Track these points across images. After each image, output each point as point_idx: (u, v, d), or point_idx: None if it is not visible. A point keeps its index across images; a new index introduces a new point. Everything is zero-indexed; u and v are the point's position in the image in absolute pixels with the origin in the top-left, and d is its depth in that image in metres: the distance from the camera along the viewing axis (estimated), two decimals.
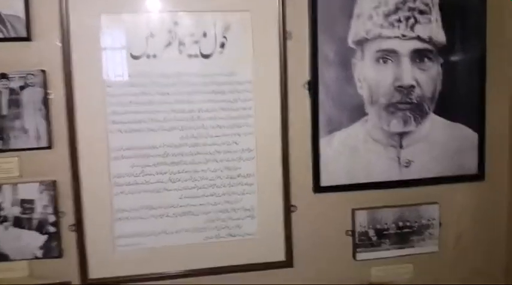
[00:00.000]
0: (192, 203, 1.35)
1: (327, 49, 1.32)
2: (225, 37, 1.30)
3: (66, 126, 1.28)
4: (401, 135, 1.38)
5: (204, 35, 1.30)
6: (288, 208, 1.38)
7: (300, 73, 1.35)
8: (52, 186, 1.31)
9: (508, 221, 1.46)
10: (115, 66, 1.28)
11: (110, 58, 1.28)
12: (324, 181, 1.37)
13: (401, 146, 1.38)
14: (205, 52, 1.30)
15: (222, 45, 1.31)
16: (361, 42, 1.33)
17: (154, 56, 1.29)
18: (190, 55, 1.30)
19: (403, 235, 1.41)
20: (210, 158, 1.35)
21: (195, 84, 1.31)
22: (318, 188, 1.37)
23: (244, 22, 1.31)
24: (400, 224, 1.41)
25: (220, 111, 1.33)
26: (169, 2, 1.28)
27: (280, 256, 1.39)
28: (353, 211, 1.40)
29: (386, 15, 1.32)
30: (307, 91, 1.36)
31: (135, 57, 1.29)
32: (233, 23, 1.30)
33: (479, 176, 1.43)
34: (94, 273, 1.35)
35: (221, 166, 1.35)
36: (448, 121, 1.39)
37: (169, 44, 1.29)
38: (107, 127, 1.29)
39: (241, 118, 1.34)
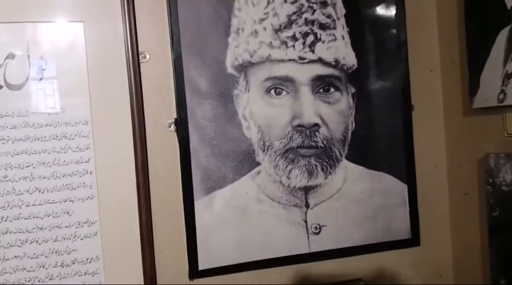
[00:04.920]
0: None
1: (197, 77, 0.82)
2: (43, 59, 0.75)
3: None
4: (307, 190, 0.86)
5: (11, 56, 0.74)
6: None
7: (163, 109, 0.82)
8: None
9: None
10: None
11: None
12: (204, 262, 0.83)
13: (307, 206, 0.86)
14: (12, 82, 0.75)
15: (40, 71, 0.75)
16: (244, 67, 0.84)
17: None
18: None
19: None
20: (28, 239, 0.77)
21: None
22: (195, 272, 0.82)
23: (75, 38, 0.78)
24: None
25: (41, 166, 0.77)
26: None
27: None
28: None
29: (277, 31, 0.84)
30: (174, 134, 0.81)
31: None
32: (57, 39, 0.77)
33: (412, 240, 0.91)
34: None
35: (45, 249, 0.78)
36: (367, 170, 0.91)
37: None
38: None
39: (75, 176, 0.78)
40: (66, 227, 0.78)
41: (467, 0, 0.86)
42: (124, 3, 0.79)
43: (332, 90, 0.87)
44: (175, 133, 0.82)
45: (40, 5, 0.77)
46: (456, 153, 0.93)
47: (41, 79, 0.77)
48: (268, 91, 0.84)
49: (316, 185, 0.87)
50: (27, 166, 0.76)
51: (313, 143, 0.85)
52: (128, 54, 0.79)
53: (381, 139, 0.91)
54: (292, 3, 0.84)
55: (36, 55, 0.76)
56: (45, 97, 0.77)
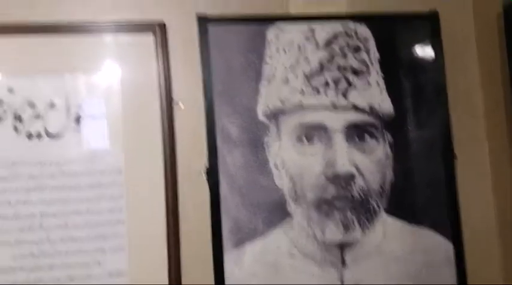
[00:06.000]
0: None
1: (228, 124, 0.81)
2: (81, 108, 0.78)
3: None
4: (343, 246, 0.81)
5: (51, 106, 0.78)
6: None
7: (195, 156, 0.82)
8: None
9: None
10: None
11: None
12: None
13: (343, 264, 0.81)
14: (52, 130, 0.78)
15: (78, 120, 0.79)
16: (275, 115, 0.82)
17: None
18: (30, 136, 0.77)
19: None
20: None
21: (36, 177, 0.78)
22: None
23: (111, 87, 0.81)
24: None
25: (75, 215, 0.78)
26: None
27: None
28: None
29: (308, 77, 0.83)
30: (205, 182, 0.81)
31: None
32: (93, 88, 0.80)
33: None
34: None
35: None
36: (409, 225, 0.85)
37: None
38: None
39: (108, 226, 0.79)
40: (96, 276, 0.77)
41: (510, 38, 0.82)
42: (158, 53, 0.81)
43: (367, 138, 0.83)
44: (207, 181, 0.82)
45: (79, 55, 0.81)
46: (506, 205, 0.85)
47: (78, 127, 0.79)
48: (300, 139, 0.82)
49: (354, 241, 0.81)
50: (62, 215, 0.78)
51: (348, 195, 0.81)
52: (162, 102, 0.81)
53: (422, 191, 0.84)
54: (324, 49, 0.83)
55: (74, 104, 0.79)
56: (81, 146, 0.79)
